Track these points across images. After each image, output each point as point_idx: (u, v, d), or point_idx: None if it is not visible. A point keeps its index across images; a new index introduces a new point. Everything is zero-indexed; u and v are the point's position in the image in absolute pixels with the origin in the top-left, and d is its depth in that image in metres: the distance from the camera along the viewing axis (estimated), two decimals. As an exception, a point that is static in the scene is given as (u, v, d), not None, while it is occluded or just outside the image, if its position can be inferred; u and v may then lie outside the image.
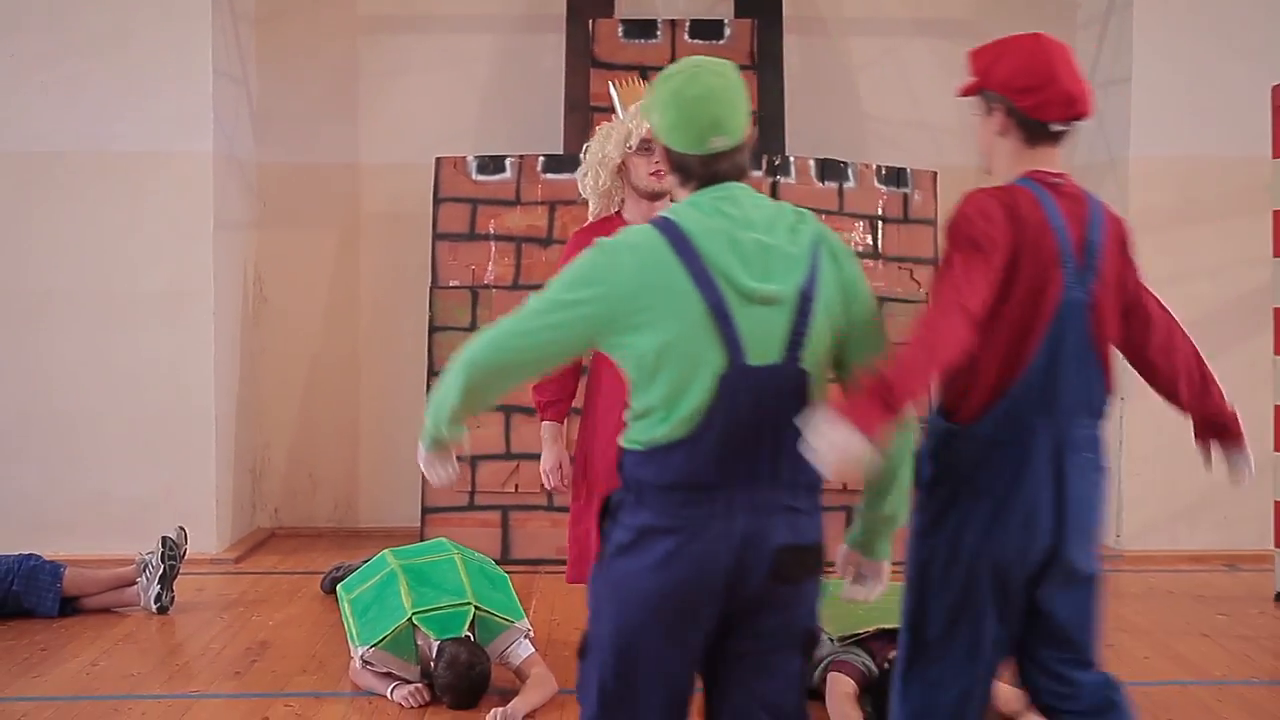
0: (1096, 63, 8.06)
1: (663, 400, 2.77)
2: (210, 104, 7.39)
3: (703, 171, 2.88)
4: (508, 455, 7.46)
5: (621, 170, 4.58)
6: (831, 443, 2.64)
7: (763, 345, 2.77)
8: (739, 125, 2.88)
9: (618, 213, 4.64)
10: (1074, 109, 3.19)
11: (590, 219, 4.73)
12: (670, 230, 2.79)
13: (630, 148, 4.52)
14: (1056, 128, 3.21)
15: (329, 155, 8.27)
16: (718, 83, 2.88)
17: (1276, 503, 6.76)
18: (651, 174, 4.46)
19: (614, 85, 4.76)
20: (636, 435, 2.83)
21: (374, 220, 8.34)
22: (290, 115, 8.28)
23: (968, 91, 3.30)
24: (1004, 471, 3.14)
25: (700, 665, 2.89)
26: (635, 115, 4.50)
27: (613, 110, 4.75)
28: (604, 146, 4.59)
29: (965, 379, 3.14)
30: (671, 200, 3.12)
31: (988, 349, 3.09)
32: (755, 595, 2.81)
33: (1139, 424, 7.50)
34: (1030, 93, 3.18)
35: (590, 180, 4.63)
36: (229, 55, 7.71)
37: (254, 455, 8.17)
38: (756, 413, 2.76)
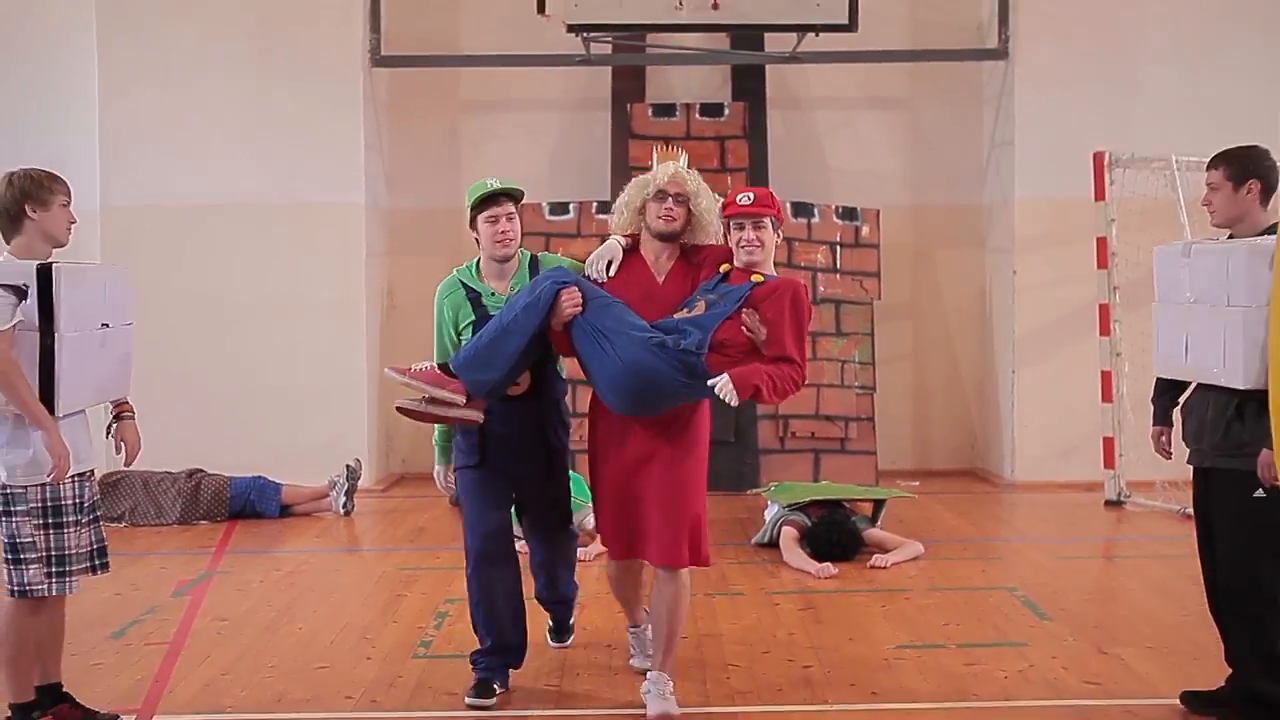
0: (995, 128, 11.05)
1: None
2: (363, 169, 10.53)
3: None
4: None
5: (641, 212, 5.27)
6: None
7: None
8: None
9: (637, 251, 5.33)
10: None
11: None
12: None
13: (649, 194, 5.22)
14: None
15: (440, 201, 11.22)
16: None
17: (1104, 439, 9.72)
18: (659, 217, 5.19)
19: (656, 150, 5.52)
20: None
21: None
22: (412, 173, 11.35)
23: None
24: None
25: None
26: (660, 170, 5.24)
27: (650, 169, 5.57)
28: (630, 192, 5.32)
29: None
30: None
31: None
32: None
33: (1027, 388, 10.43)
34: None
35: (616, 217, 5.45)
36: (372, 131, 10.82)
37: (387, 420, 11.17)
38: None
